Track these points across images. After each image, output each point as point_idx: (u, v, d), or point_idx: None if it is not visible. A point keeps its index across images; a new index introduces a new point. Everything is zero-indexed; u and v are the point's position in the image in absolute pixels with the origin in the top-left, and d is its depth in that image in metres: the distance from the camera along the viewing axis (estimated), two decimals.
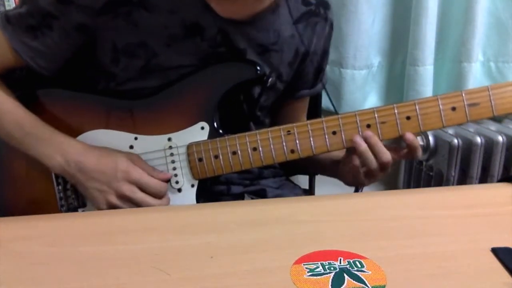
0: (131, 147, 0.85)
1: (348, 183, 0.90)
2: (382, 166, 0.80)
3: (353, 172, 0.84)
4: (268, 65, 0.89)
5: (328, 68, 1.57)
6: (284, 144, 0.81)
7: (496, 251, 0.56)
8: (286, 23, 0.88)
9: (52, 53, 0.83)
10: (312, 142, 0.81)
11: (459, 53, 1.54)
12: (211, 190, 0.93)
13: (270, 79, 0.90)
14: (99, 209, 0.81)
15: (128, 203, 0.80)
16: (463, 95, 0.77)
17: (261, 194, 0.99)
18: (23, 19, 0.81)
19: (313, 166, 1.02)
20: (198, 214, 0.71)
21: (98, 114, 0.86)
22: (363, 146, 0.79)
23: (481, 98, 0.77)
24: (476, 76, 1.57)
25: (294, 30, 0.89)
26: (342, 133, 0.80)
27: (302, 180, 1.28)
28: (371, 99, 1.64)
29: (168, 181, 0.84)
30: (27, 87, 0.88)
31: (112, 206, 0.80)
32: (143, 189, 0.80)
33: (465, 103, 0.77)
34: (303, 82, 0.99)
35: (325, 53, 0.98)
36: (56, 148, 0.81)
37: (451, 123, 0.78)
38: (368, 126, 0.79)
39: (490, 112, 0.77)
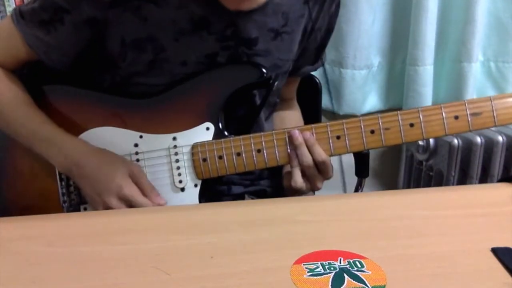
0: (136, 145, 0.85)
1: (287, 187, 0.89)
2: (319, 165, 0.81)
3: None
4: (282, 50, 0.89)
5: (328, 68, 1.58)
6: (288, 146, 0.82)
7: (496, 251, 0.56)
8: (296, 3, 0.88)
9: (64, 47, 0.84)
10: None
11: (459, 53, 1.53)
12: (212, 190, 0.93)
13: (276, 83, 0.90)
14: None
15: None
16: (466, 104, 0.78)
17: (261, 194, 0.99)
18: (36, 14, 0.82)
19: None
20: (198, 214, 0.71)
21: (104, 112, 0.87)
22: (299, 140, 0.80)
23: (484, 108, 0.77)
24: (476, 76, 1.57)
25: (305, 9, 0.89)
26: (346, 137, 0.80)
27: None
28: (371, 99, 1.63)
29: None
30: (29, 84, 0.88)
31: None
32: (133, 207, 0.79)
33: (468, 112, 0.78)
34: (305, 59, 0.99)
35: (329, 31, 0.97)
36: (59, 149, 0.82)
37: (454, 131, 0.79)
38: (372, 131, 0.80)
39: (492, 122, 0.78)
